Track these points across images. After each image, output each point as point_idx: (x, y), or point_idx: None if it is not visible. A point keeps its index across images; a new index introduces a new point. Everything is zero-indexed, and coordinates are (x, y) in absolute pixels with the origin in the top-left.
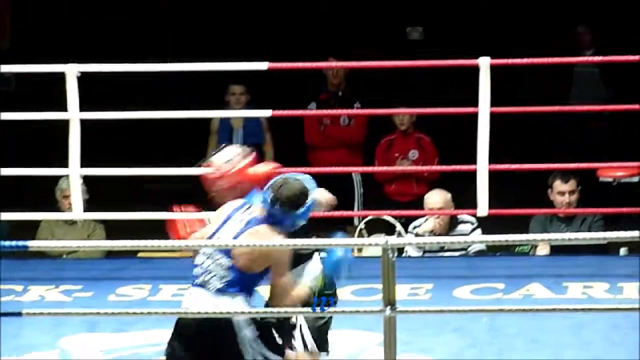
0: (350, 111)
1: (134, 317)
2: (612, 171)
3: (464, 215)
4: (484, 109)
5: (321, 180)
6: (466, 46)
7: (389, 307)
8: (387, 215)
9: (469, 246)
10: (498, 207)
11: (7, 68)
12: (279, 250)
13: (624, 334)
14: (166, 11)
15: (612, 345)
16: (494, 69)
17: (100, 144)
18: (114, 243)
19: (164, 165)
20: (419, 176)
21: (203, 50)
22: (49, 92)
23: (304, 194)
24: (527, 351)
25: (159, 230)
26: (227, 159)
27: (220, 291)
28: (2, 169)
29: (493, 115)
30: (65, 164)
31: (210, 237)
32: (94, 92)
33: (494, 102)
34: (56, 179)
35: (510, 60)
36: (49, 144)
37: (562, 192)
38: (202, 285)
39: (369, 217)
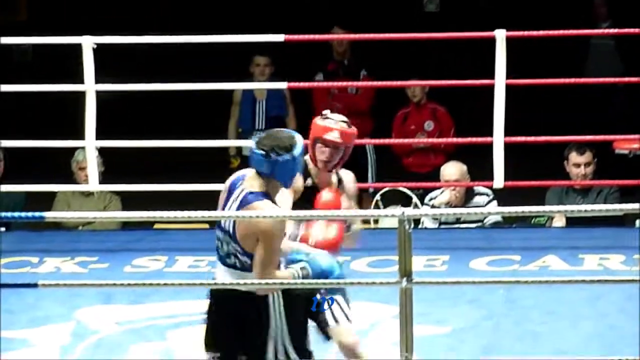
0: (360, 83)
1: (150, 288)
2: (628, 143)
3: (479, 187)
4: (500, 81)
5: None
6: (483, 18)
7: (405, 279)
8: (403, 187)
9: (485, 218)
10: (514, 179)
11: (24, 40)
12: (269, 222)
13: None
14: None
15: (628, 316)
16: (509, 41)
17: (118, 116)
18: (130, 214)
19: (182, 138)
20: (436, 147)
21: (221, 23)
22: (66, 64)
23: (291, 136)
24: (543, 323)
25: (175, 201)
26: (342, 119)
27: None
28: (18, 140)
29: (509, 88)
30: (81, 136)
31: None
32: (113, 64)
33: (510, 75)
34: (72, 150)
35: (526, 33)
36: (65, 115)
37: (578, 164)
38: (231, 266)
39: (385, 189)
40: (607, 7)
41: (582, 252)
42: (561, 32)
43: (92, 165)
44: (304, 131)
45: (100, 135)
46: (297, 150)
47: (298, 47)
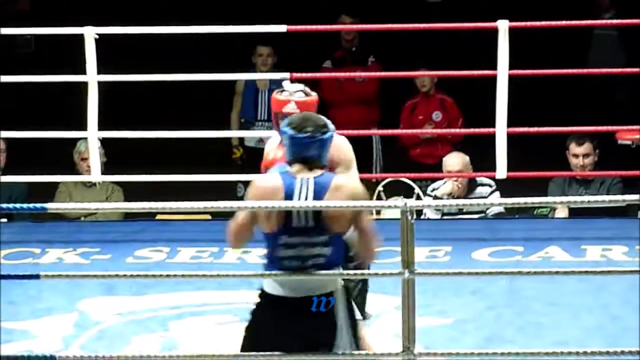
0: (364, 74)
1: (152, 279)
2: (630, 134)
3: (482, 177)
4: (502, 72)
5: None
6: (485, 9)
7: (407, 270)
8: (405, 178)
9: (487, 209)
10: (517, 169)
11: (25, 30)
12: (361, 187)
13: None
14: None
15: (631, 307)
16: (512, 32)
17: (120, 107)
18: (132, 205)
19: (184, 128)
20: (443, 138)
21: (223, 13)
22: (68, 54)
23: (317, 115)
24: (546, 314)
25: (177, 192)
26: (299, 89)
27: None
28: (20, 131)
29: (513, 79)
30: (83, 127)
31: (286, 226)
32: (114, 55)
33: (513, 66)
34: (74, 141)
35: (529, 23)
36: (67, 106)
37: (577, 155)
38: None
39: (388, 180)
40: None
41: (585, 243)
42: (564, 22)
43: (94, 156)
44: None
45: (102, 125)
46: (332, 126)
47: (301, 37)
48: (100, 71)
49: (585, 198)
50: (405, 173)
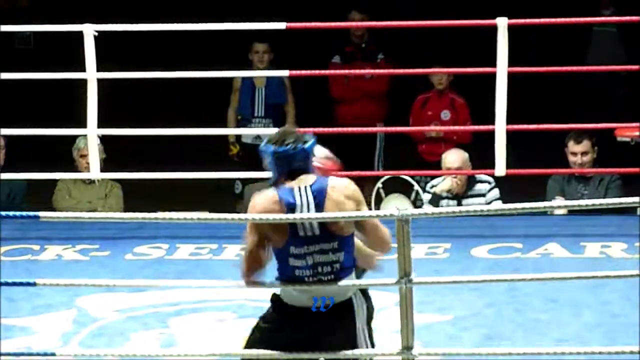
0: (367, 71)
1: (152, 276)
2: (629, 131)
3: (481, 175)
4: (501, 69)
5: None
6: (485, 6)
7: (405, 279)
8: (404, 175)
9: (487, 203)
10: (516, 167)
11: (24, 27)
12: (354, 186)
13: None
14: None
15: (631, 304)
16: (512, 29)
17: (119, 104)
18: (125, 215)
19: (182, 125)
20: (448, 138)
21: (221, 10)
22: (68, 51)
23: (291, 129)
24: (546, 310)
25: (175, 189)
26: (324, 155)
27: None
28: (19, 129)
29: (514, 76)
30: (83, 124)
31: (294, 236)
32: (113, 52)
33: (513, 63)
34: (73, 138)
35: (528, 20)
36: (66, 103)
37: (575, 153)
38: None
39: (386, 177)
40: None
41: (584, 239)
42: (563, 19)
43: (94, 153)
44: (303, 118)
45: (101, 123)
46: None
47: (303, 33)
48: (99, 68)
49: (584, 202)
50: (407, 169)
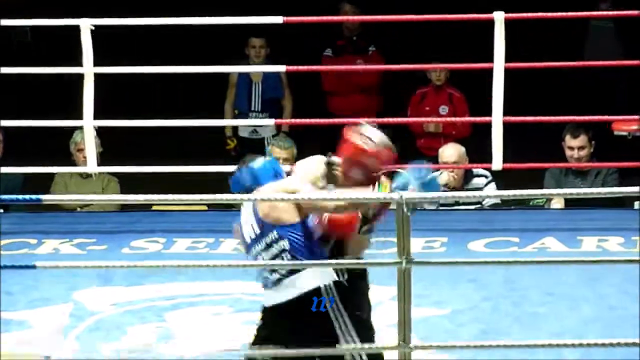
0: (360, 67)
1: (148, 270)
2: (626, 124)
3: (478, 169)
4: (498, 64)
5: (339, 127)
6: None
7: (404, 259)
8: (400, 169)
9: (483, 200)
10: (513, 161)
11: (22, 21)
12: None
13: (639, 287)
14: None
15: (628, 297)
16: (509, 24)
17: (116, 98)
18: (127, 197)
19: (179, 119)
20: (447, 134)
21: (217, 5)
22: (65, 45)
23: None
24: (542, 304)
25: (173, 182)
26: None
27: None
28: (15, 121)
29: (511, 71)
30: (79, 118)
31: (247, 245)
32: (110, 46)
33: (510, 58)
34: (71, 132)
35: (525, 15)
36: (64, 97)
37: (572, 148)
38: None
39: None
40: None
41: (581, 233)
42: (560, 14)
43: (91, 147)
44: (300, 112)
45: (98, 117)
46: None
47: (294, 28)
48: (96, 62)
49: (581, 190)
50: (403, 164)
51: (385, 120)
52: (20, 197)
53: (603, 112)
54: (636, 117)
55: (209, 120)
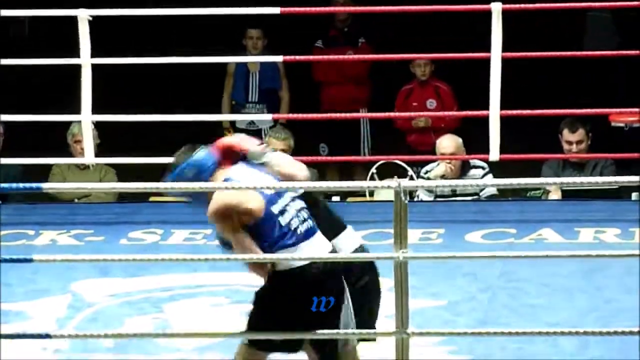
0: (351, 56)
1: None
2: (624, 116)
3: (475, 160)
4: (496, 54)
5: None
6: None
7: (401, 251)
8: (398, 160)
9: (480, 191)
10: (510, 152)
11: (19, 12)
12: None
13: (637, 279)
14: None
15: (625, 289)
16: (506, 14)
17: (113, 89)
18: (126, 185)
19: (176, 110)
20: (437, 127)
21: None
22: (63, 36)
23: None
24: (539, 296)
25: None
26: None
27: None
28: (14, 115)
29: (507, 62)
30: (77, 109)
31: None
32: (108, 37)
33: (507, 48)
34: (68, 124)
35: (522, 5)
36: (62, 88)
37: (570, 142)
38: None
39: (381, 162)
40: None
41: (578, 225)
42: (558, 4)
43: (88, 139)
44: (298, 102)
45: (95, 108)
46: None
47: (291, 19)
48: (94, 54)
49: (578, 179)
50: (396, 155)
51: (376, 115)
52: (20, 185)
53: (600, 103)
54: (633, 108)
55: (206, 115)
